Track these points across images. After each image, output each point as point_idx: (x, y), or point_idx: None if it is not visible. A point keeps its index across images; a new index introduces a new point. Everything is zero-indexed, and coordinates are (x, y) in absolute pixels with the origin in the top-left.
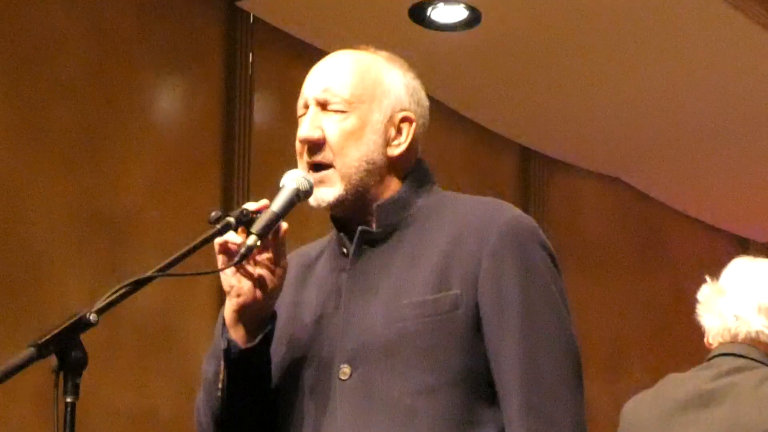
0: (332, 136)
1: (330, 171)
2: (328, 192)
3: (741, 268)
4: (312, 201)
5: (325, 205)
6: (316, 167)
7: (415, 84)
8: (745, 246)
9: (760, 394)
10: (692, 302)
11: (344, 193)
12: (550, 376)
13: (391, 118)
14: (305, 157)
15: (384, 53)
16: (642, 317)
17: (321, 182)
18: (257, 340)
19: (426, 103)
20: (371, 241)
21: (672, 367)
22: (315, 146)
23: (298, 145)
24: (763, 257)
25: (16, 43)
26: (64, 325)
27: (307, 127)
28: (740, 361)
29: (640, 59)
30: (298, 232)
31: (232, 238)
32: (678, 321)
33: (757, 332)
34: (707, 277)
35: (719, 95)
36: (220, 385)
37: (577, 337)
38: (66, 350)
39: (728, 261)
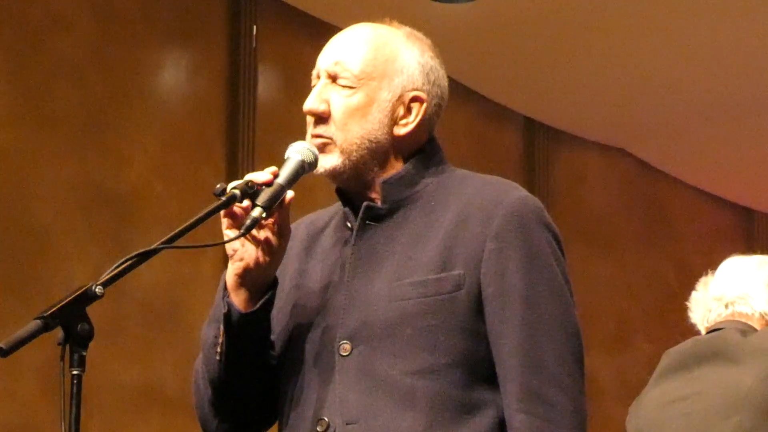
0: (337, 112)
1: (330, 144)
2: (326, 160)
3: (730, 263)
4: (323, 163)
5: (323, 171)
6: (317, 138)
7: (433, 63)
8: (750, 217)
9: (747, 349)
10: (697, 274)
11: (342, 166)
12: (550, 360)
13: (400, 97)
14: (310, 129)
15: (406, 29)
16: (647, 290)
17: (321, 150)
18: (258, 305)
19: (444, 83)
20: (376, 217)
21: (676, 339)
22: (319, 119)
23: (308, 102)
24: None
25: (21, 24)
26: (70, 298)
27: (313, 99)
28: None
29: (646, 33)
30: (304, 200)
31: (238, 209)
32: (683, 294)
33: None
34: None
35: (725, 69)
36: (219, 349)
37: (579, 317)
38: (72, 322)
39: (733, 232)
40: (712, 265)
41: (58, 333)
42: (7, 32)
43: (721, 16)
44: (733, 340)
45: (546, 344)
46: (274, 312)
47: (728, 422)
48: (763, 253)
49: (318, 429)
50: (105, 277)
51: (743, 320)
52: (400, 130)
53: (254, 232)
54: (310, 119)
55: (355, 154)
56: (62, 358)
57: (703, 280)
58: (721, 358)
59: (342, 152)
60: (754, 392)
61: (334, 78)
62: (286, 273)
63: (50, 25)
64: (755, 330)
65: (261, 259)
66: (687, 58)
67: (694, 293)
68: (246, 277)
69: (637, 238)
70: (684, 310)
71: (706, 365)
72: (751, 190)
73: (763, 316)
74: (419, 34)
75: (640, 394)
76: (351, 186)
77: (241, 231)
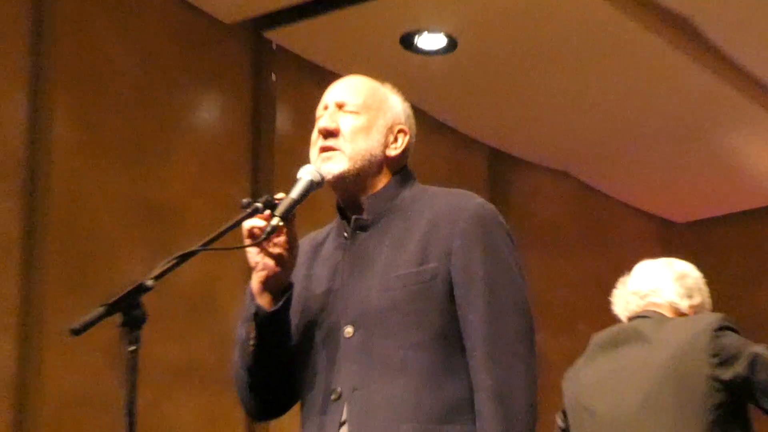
0: (346, 129)
1: (339, 152)
2: (335, 166)
3: (643, 265)
4: (323, 171)
5: (331, 177)
6: (328, 150)
7: (409, 111)
8: (668, 226)
9: (662, 333)
10: (627, 272)
11: (347, 170)
12: (508, 333)
13: (391, 128)
14: (319, 143)
15: (388, 84)
16: (587, 285)
17: (329, 159)
18: (279, 304)
19: (414, 126)
20: (364, 227)
21: (608, 325)
22: (330, 134)
23: (314, 134)
24: (682, 235)
25: (82, 69)
26: (128, 289)
27: (327, 120)
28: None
29: (584, 78)
30: (310, 215)
31: (258, 223)
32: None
33: (656, 302)
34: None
35: (647, 106)
36: (251, 342)
37: (533, 306)
38: (129, 309)
39: (654, 239)
40: None
41: (119, 317)
42: (70, 76)
43: (647, 64)
44: (648, 326)
45: (503, 320)
46: (291, 309)
47: (643, 388)
48: (679, 257)
49: (332, 396)
50: (154, 273)
51: (656, 309)
52: (391, 152)
53: (271, 248)
54: (317, 137)
55: (359, 162)
56: (122, 338)
57: (621, 279)
58: (639, 340)
59: (349, 159)
60: (665, 366)
61: (341, 106)
62: (297, 277)
63: (106, 70)
64: (666, 316)
65: (278, 268)
66: (618, 98)
67: (615, 290)
68: (267, 284)
69: (578, 243)
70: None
71: (628, 345)
72: (668, 204)
73: (671, 305)
74: (396, 91)
75: (573, 367)
76: (347, 200)
77: (263, 236)
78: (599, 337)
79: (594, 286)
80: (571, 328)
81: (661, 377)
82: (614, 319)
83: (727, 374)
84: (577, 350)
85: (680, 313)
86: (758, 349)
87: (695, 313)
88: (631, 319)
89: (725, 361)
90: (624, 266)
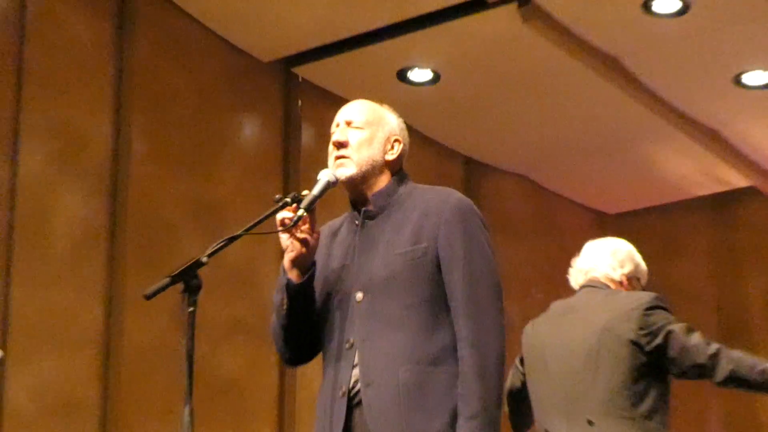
0: (354, 141)
1: (349, 159)
2: (346, 171)
3: (587, 245)
4: (337, 174)
5: (344, 178)
6: (341, 158)
7: (402, 125)
8: (601, 216)
9: (604, 301)
10: (571, 254)
11: (355, 174)
12: (481, 296)
13: (388, 138)
14: (333, 153)
15: (386, 105)
16: (539, 263)
17: (342, 165)
18: (305, 278)
19: (407, 137)
20: (371, 217)
21: (559, 293)
22: (341, 146)
23: (330, 146)
24: (612, 223)
25: (153, 98)
26: (188, 264)
27: (339, 135)
28: (586, 289)
29: (537, 103)
30: (328, 209)
31: (287, 214)
32: (561, 265)
33: (595, 276)
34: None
35: (583, 125)
36: (284, 307)
37: (501, 278)
38: (189, 279)
39: (591, 227)
40: (579, 248)
41: (181, 286)
42: (144, 103)
43: (584, 93)
44: (595, 297)
45: (478, 287)
46: (314, 281)
47: (586, 347)
48: None
49: (346, 346)
50: (208, 251)
51: (596, 282)
52: (389, 157)
53: (299, 234)
54: (333, 148)
55: (364, 167)
56: (183, 302)
57: (574, 259)
58: (586, 309)
59: (357, 165)
60: (604, 331)
61: (349, 123)
62: (319, 256)
63: (171, 98)
64: (607, 286)
65: (303, 250)
66: (563, 119)
67: (570, 268)
68: (295, 262)
69: (532, 230)
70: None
71: (577, 312)
72: (602, 199)
73: (606, 276)
74: (392, 110)
75: (532, 323)
76: (357, 195)
77: (291, 224)
78: (556, 304)
79: (545, 263)
80: (528, 295)
81: (600, 340)
82: (560, 287)
83: (649, 345)
84: (533, 311)
85: (615, 281)
86: (675, 327)
87: (628, 278)
88: (580, 289)
89: (649, 335)
90: (568, 247)
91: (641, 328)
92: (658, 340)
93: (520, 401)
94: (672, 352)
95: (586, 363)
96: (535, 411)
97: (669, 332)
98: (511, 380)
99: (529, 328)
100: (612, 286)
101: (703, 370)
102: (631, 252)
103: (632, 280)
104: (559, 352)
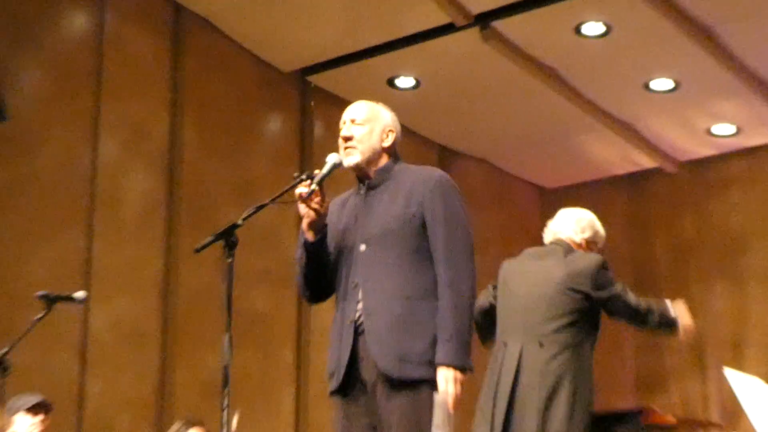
0: (357, 135)
1: (354, 149)
2: (353, 159)
3: (560, 211)
4: (345, 163)
5: (352, 164)
6: (348, 149)
7: (395, 118)
8: (544, 190)
9: (566, 259)
10: (523, 221)
11: (360, 161)
12: (457, 248)
13: (384, 129)
14: (342, 145)
15: (381, 104)
16: (496, 228)
17: (349, 154)
18: (318, 238)
19: (399, 127)
20: (373, 188)
21: (512, 253)
22: (348, 139)
23: (340, 140)
24: (552, 195)
25: (201, 99)
26: (227, 226)
27: (346, 131)
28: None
29: (495, 102)
30: (335, 186)
31: (303, 189)
32: (513, 229)
33: (561, 237)
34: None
35: (529, 120)
36: (304, 260)
37: (472, 232)
38: (228, 237)
39: (536, 199)
40: (530, 217)
41: (223, 243)
42: (194, 104)
43: (531, 96)
44: (559, 251)
45: (454, 240)
46: (327, 239)
47: (549, 287)
48: (549, 211)
49: (352, 286)
50: (243, 216)
51: (561, 241)
52: (385, 144)
53: (313, 204)
54: (342, 141)
55: (366, 154)
56: (224, 255)
57: (549, 220)
58: (551, 258)
59: (361, 153)
60: (563, 279)
61: (353, 121)
62: (332, 220)
63: (214, 100)
64: (571, 246)
65: (317, 216)
66: (514, 115)
67: (545, 228)
68: (311, 225)
69: (491, 203)
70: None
71: (544, 260)
72: (544, 176)
73: (569, 238)
74: (386, 106)
75: (509, 262)
76: (361, 174)
77: (306, 196)
78: (528, 250)
79: (499, 227)
80: (487, 252)
81: (558, 286)
82: (510, 245)
83: (595, 296)
84: (491, 264)
85: (576, 243)
86: (618, 286)
87: (587, 242)
88: (548, 245)
89: (597, 288)
90: (517, 214)
91: (593, 282)
92: (604, 294)
93: (487, 317)
94: (613, 305)
95: (545, 301)
96: (499, 327)
97: (612, 289)
98: (482, 300)
99: (505, 264)
100: (573, 246)
101: (634, 319)
102: (593, 221)
103: (590, 244)
104: (525, 289)
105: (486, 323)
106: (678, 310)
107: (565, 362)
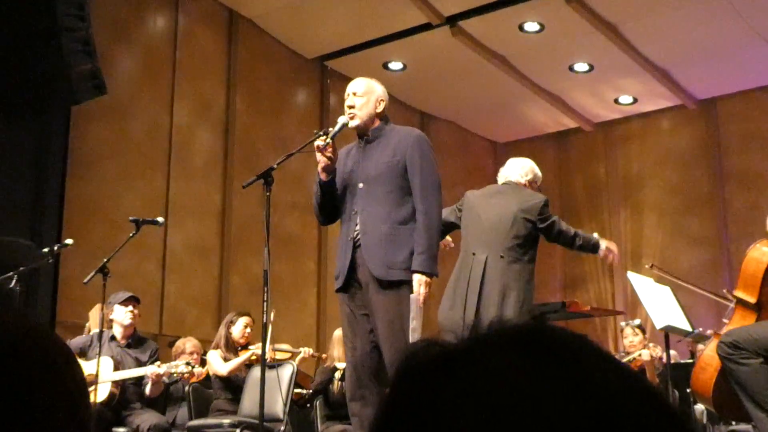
0: (358, 104)
1: (356, 115)
2: (355, 121)
3: (509, 160)
4: (351, 124)
5: (355, 125)
6: (351, 114)
7: (384, 89)
8: (495, 144)
9: (516, 194)
10: (482, 166)
11: (360, 123)
12: (428, 186)
13: (377, 99)
14: (348, 111)
15: (375, 79)
16: (458, 174)
17: (353, 117)
18: (329, 178)
19: (387, 97)
20: (369, 142)
21: (479, 187)
22: (352, 107)
23: (345, 107)
24: (503, 149)
25: (256, 81)
26: (266, 169)
27: (349, 101)
28: (504, 185)
29: (460, 79)
30: (343, 139)
31: (320, 142)
32: (474, 174)
33: (510, 179)
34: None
35: (488, 93)
36: (319, 194)
37: (439, 174)
38: (267, 177)
39: (489, 152)
40: (485, 164)
41: (263, 181)
42: (243, 84)
43: (485, 75)
44: (510, 190)
45: (427, 183)
46: (336, 179)
47: (505, 216)
48: (500, 162)
49: (353, 212)
50: (278, 161)
51: (511, 182)
52: (378, 110)
53: (326, 153)
54: (347, 109)
55: (365, 118)
56: (264, 191)
57: (501, 167)
58: (506, 195)
59: (360, 118)
60: (515, 210)
61: (354, 93)
62: (339, 165)
63: (256, 76)
64: (517, 185)
65: (329, 162)
66: (472, 90)
67: (498, 173)
68: (324, 169)
69: (457, 152)
70: (471, 179)
71: (500, 195)
72: (496, 133)
73: (517, 181)
74: (378, 82)
75: (471, 192)
76: (361, 132)
77: (323, 147)
78: (489, 187)
79: (463, 172)
80: (451, 192)
81: (514, 215)
82: (467, 187)
83: (541, 225)
84: (456, 199)
85: (521, 184)
86: (555, 217)
87: (529, 182)
88: (501, 185)
89: (542, 220)
90: (476, 162)
91: (538, 215)
92: (547, 223)
93: (446, 229)
94: (553, 231)
95: (505, 225)
96: (467, 241)
97: (553, 220)
98: (447, 215)
99: (469, 193)
100: (519, 186)
101: (564, 241)
102: (533, 166)
103: (532, 183)
104: (489, 215)
105: (442, 231)
106: (608, 243)
107: (517, 270)
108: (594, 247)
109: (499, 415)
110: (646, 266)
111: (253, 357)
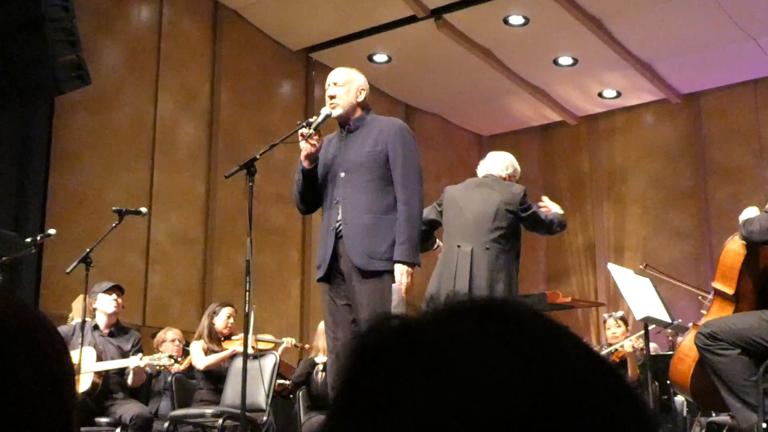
0: (339, 94)
1: (337, 104)
2: (337, 111)
3: (489, 153)
4: (333, 114)
5: (336, 114)
6: (333, 104)
7: (365, 79)
8: (479, 137)
9: (498, 186)
10: (466, 159)
11: (342, 112)
12: (410, 176)
13: (358, 88)
14: (329, 101)
15: (356, 69)
16: (446, 164)
17: (334, 107)
18: (311, 166)
19: (368, 86)
20: (351, 131)
21: (451, 180)
22: (333, 97)
23: (327, 98)
24: (487, 141)
25: (234, 73)
26: (250, 159)
27: (330, 91)
28: (485, 178)
29: (444, 71)
30: (327, 130)
31: (304, 131)
32: (456, 167)
33: (491, 172)
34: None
35: (473, 86)
36: (301, 182)
37: (421, 165)
38: (250, 167)
39: (474, 144)
40: (469, 156)
41: (245, 172)
42: (229, 77)
43: (469, 68)
44: (491, 183)
45: (409, 173)
46: (318, 167)
47: (488, 208)
48: (484, 153)
49: (334, 202)
50: (261, 152)
51: (491, 175)
52: (359, 100)
53: (310, 142)
54: (328, 99)
55: (346, 107)
56: (247, 181)
57: (480, 161)
58: (487, 187)
59: (341, 108)
60: (497, 202)
61: (335, 83)
62: (322, 154)
63: (241, 67)
64: (496, 178)
65: (312, 150)
66: (456, 83)
67: (478, 166)
68: (307, 158)
69: (441, 144)
70: (452, 171)
71: (482, 188)
72: (480, 126)
73: (498, 173)
74: (359, 72)
75: (451, 187)
76: (343, 121)
77: (306, 136)
78: (469, 180)
79: (447, 164)
80: (435, 183)
81: (498, 206)
82: (441, 179)
83: (522, 215)
84: (441, 190)
85: (502, 176)
86: (534, 208)
87: (509, 176)
88: (482, 177)
89: (523, 210)
90: (461, 156)
91: (520, 204)
92: (528, 213)
93: (429, 227)
94: (532, 219)
95: (488, 216)
96: (451, 234)
97: (533, 210)
98: (427, 213)
99: (448, 188)
100: (500, 179)
101: (544, 229)
102: (513, 161)
103: (511, 177)
104: (472, 207)
105: (425, 232)
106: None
107: (502, 261)
108: (561, 222)
109: (451, 382)
110: (641, 266)
111: (234, 354)
